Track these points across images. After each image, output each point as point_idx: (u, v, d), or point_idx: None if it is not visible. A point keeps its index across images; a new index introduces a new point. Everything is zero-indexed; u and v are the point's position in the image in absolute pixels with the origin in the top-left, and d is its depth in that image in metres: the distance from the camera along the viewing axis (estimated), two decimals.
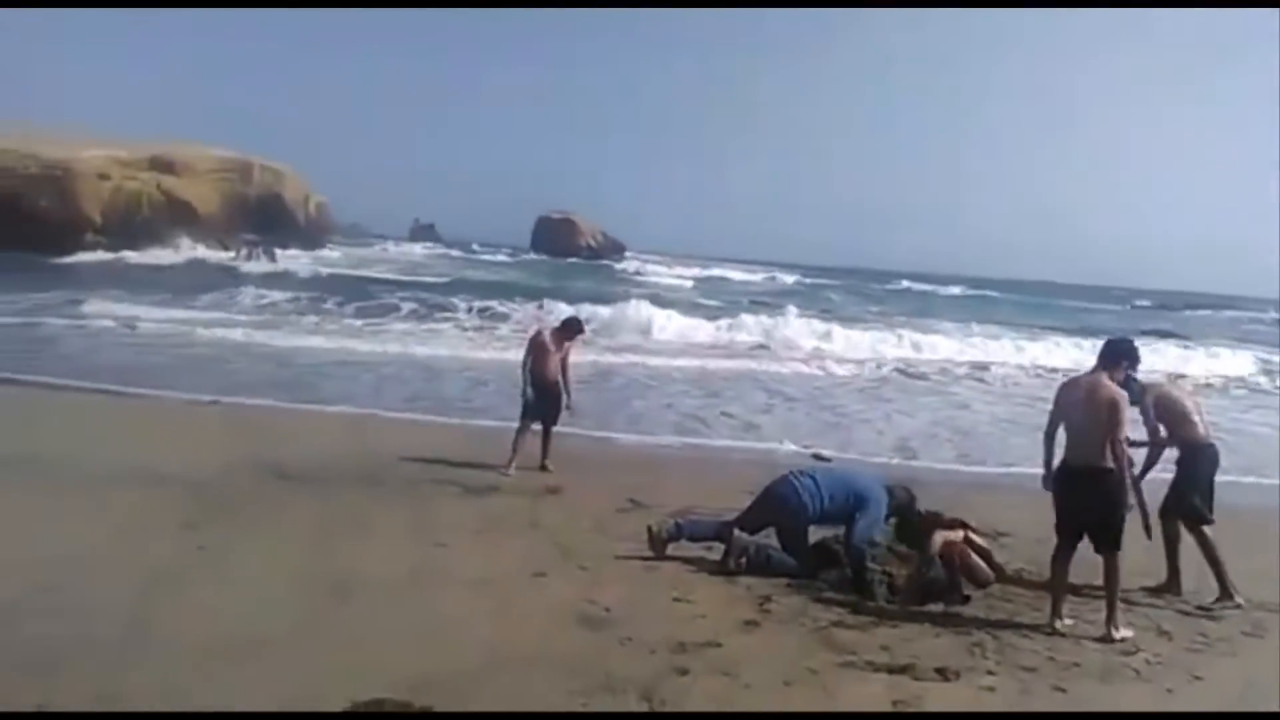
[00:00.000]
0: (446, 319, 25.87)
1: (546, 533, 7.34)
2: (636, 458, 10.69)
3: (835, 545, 6.78)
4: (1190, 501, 6.60)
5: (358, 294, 29.05)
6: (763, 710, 4.46)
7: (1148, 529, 6.51)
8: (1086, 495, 5.85)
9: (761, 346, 23.72)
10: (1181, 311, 66.25)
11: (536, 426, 9.78)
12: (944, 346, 25.53)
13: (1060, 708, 4.76)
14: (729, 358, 21.20)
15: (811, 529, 6.86)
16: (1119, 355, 6.05)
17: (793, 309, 31.11)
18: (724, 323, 27.07)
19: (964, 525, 6.71)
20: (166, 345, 17.82)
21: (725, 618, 5.71)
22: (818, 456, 10.81)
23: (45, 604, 5.24)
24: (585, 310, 22.45)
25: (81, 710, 3.66)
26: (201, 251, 45.80)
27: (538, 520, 7.76)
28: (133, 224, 44.68)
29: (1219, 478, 6.83)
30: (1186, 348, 28.70)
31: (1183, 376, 21.10)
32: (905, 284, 73.85)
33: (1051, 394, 6.33)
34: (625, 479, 9.17)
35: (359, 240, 72.92)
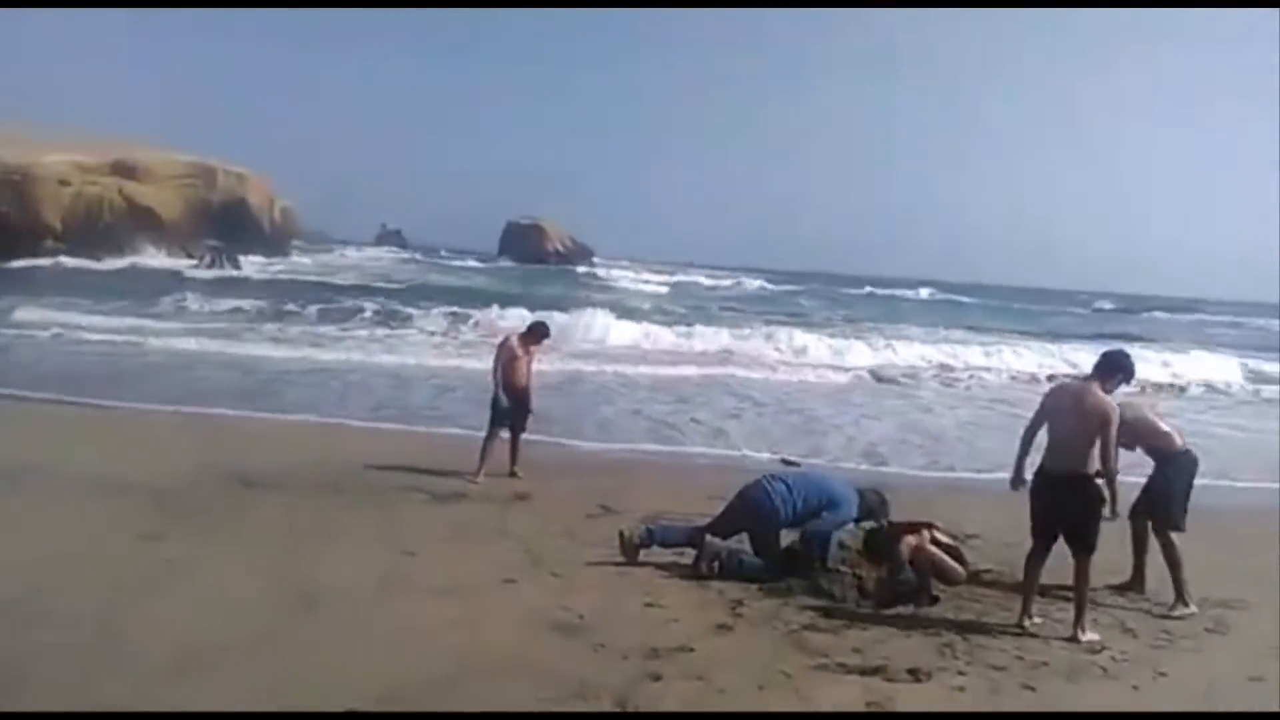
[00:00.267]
0: (412, 325, 25.63)
1: (516, 540, 7.31)
2: (606, 464, 10.68)
3: (803, 545, 6.81)
4: (1169, 509, 6.65)
5: (323, 300, 28.87)
6: (738, 712, 4.45)
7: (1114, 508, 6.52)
8: (1065, 500, 5.89)
9: (729, 352, 23.71)
10: (1141, 315, 67.32)
11: (505, 434, 9.75)
12: (912, 351, 25.71)
13: (1029, 706, 4.81)
14: (697, 364, 21.18)
15: (783, 533, 6.88)
16: (1114, 368, 6.08)
17: (761, 314, 31.24)
18: (691, 329, 27.08)
19: (929, 526, 6.75)
20: (125, 354, 17.56)
21: (698, 622, 5.71)
22: (786, 462, 10.85)
23: (8, 616, 5.15)
24: (555, 319, 22.37)
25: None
26: (164, 258, 45.25)
27: (507, 527, 7.72)
28: (94, 230, 44.02)
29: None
30: (1147, 349, 29.15)
31: (1156, 387, 21.41)
32: (868, 289, 74.31)
33: (1018, 398, 6.41)
34: (595, 485, 9.15)
35: (325, 246, 72.30)
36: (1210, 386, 23.33)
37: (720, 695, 4.65)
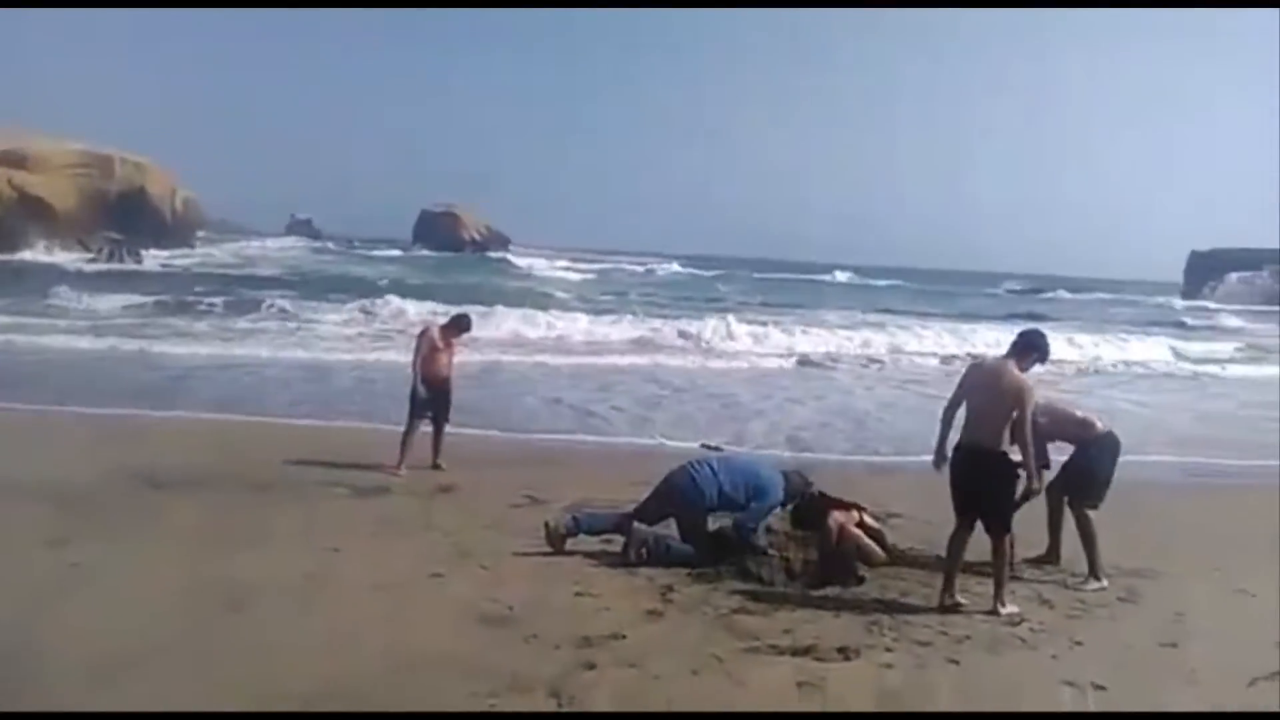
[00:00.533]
0: (324, 318, 24.91)
1: (442, 533, 7.19)
2: (529, 454, 10.59)
3: (734, 534, 6.85)
4: (1090, 489, 6.84)
5: (230, 293, 28.09)
6: (671, 702, 4.44)
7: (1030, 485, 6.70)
8: (980, 477, 6.01)
9: (648, 340, 23.73)
10: (1047, 294, 69.67)
11: (426, 427, 9.58)
12: (832, 335, 26.08)
13: (954, 679, 4.91)
14: (616, 352, 21.19)
15: (711, 518, 6.90)
16: (1030, 347, 6.22)
17: (681, 301, 31.35)
18: (610, 316, 27.09)
19: (858, 508, 6.86)
20: (14, 352, 16.73)
21: (628, 609, 5.69)
22: (706, 447, 10.91)
23: None
24: (473, 309, 22.08)
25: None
26: (58, 252, 43.38)
27: (432, 520, 7.59)
28: None
29: None
30: (1056, 329, 30.12)
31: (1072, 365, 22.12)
32: (786, 274, 75.25)
33: (936, 379, 6.52)
34: (519, 475, 9.07)
35: (231, 237, 70.15)
36: (1118, 364, 24.19)
37: (654, 682, 4.64)
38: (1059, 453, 7.11)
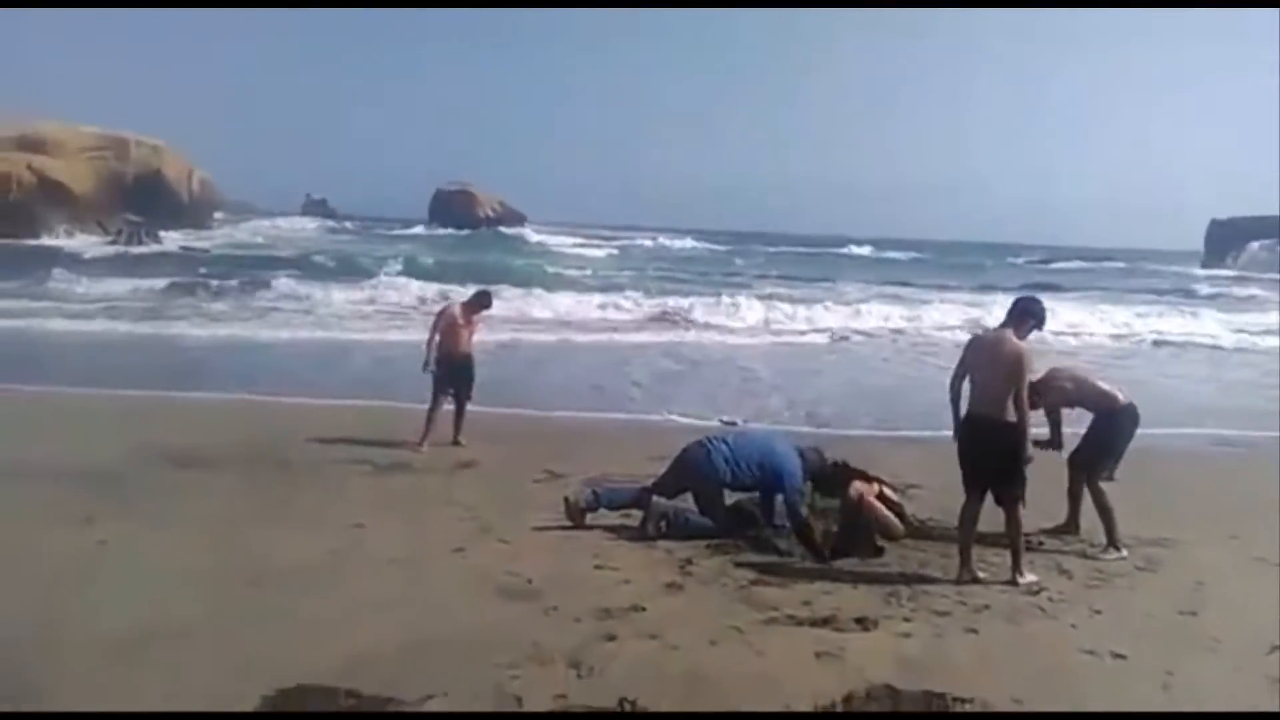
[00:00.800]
0: (340, 297, 24.79)
1: (463, 508, 7.26)
2: (549, 430, 10.65)
3: (751, 506, 6.89)
4: (1106, 461, 6.87)
5: (247, 274, 28.10)
6: (691, 672, 4.49)
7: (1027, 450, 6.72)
8: (988, 448, 6.02)
9: (667, 317, 23.70)
10: (1059, 264, 69.01)
11: (450, 405, 9.65)
12: (853, 310, 25.87)
13: (973, 649, 4.93)
14: (634, 329, 21.23)
15: (727, 492, 6.93)
16: (1026, 313, 6.23)
17: (700, 277, 31.23)
18: (628, 293, 27.02)
19: (879, 480, 6.87)
20: (37, 336, 16.91)
21: (648, 582, 5.74)
22: (724, 423, 10.92)
23: None
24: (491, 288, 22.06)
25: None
26: (78, 235, 43.66)
27: (453, 496, 7.67)
28: (2, 206, 42.23)
29: None
30: (1079, 299, 29.85)
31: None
32: (806, 248, 74.86)
33: (954, 351, 6.50)
34: (539, 451, 9.13)
35: (248, 217, 70.35)
36: (1136, 334, 23.97)
37: (674, 652, 4.68)
38: (1076, 424, 7.12)
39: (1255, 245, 72.34)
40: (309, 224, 76.41)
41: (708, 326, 22.10)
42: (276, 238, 55.52)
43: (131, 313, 20.43)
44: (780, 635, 4.99)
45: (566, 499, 6.92)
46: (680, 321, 22.82)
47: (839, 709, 4.09)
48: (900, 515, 6.81)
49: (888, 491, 6.87)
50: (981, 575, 6.00)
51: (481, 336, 10.20)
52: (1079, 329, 23.67)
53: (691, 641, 4.82)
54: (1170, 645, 5.04)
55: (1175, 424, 11.44)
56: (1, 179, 43.60)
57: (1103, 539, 6.74)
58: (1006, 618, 5.40)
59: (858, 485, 6.68)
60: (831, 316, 24.57)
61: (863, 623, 5.16)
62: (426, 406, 9.54)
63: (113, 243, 42.17)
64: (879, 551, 6.50)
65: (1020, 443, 5.97)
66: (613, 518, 6.96)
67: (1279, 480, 8.70)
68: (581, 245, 61.70)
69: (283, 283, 26.08)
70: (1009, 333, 6.12)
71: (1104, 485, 6.82)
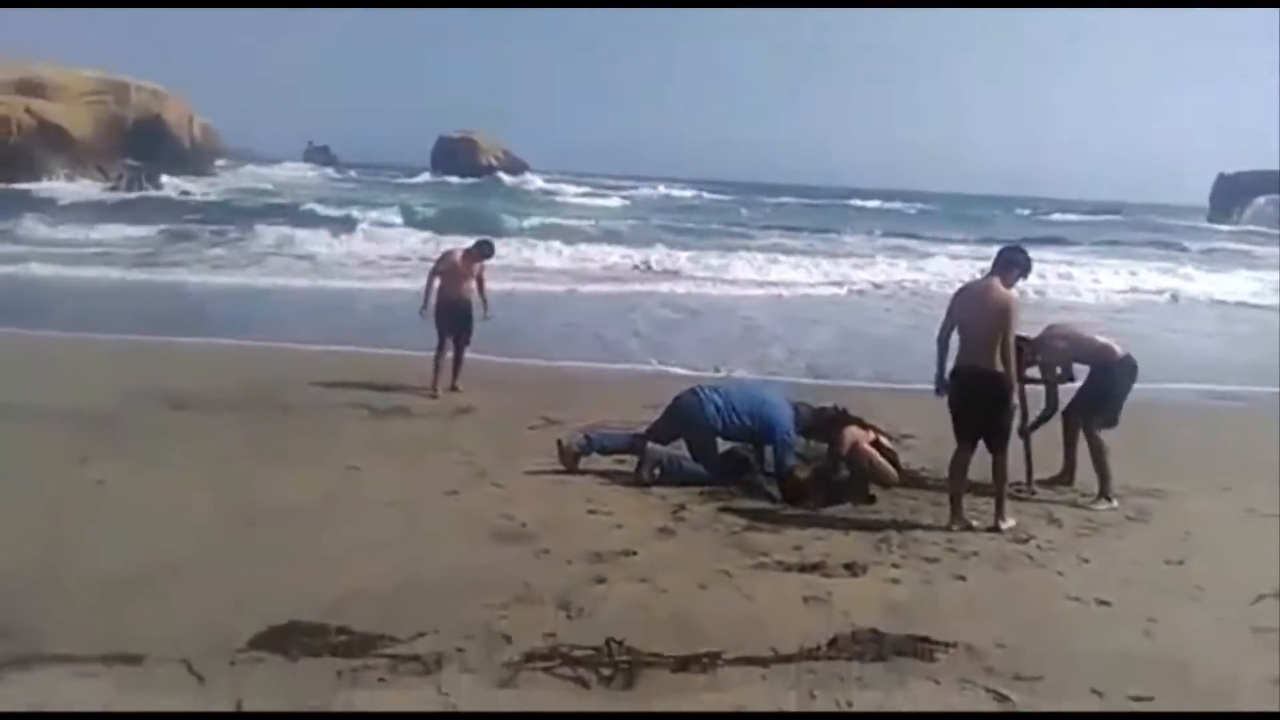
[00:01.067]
0: (341, 245, 24.45)
1: (459, 453, 7.30)
2: (548, 378, 10.65)
3: (746, 453, 6.92)
4: (1107, 410, 6.89)
5: (248, 220, 27.90)
6: (679, 615, 4.54)
7: (1025, 431, 6.83)
8: (977, 397, 6.05)
9: (668, 267, 23.46)
10: (1065, 216, 68.55)
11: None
12: (854, 261, 25.76)
13: (960, 595, 4.98)
14: (637, 279, 21.13)
15: (720, 440, 6.95)
16: (1010, 263, 6.23)
17: (700, 227, 31.02)
18: (631, 243, 26.90)
19: (875, 429, 6.89)
20: (35, 280, 16.88)
21: (640, 527, 5.79)
22: (720, 373, 10.89)
23: None
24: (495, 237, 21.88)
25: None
26: (78, 179, 43.44)
27: (450, 441, 7.70)
28: (1, 150, 41.98)
29: None
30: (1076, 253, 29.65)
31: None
32: (807, 199, 74.27)
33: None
34: (537, 398, 9.15)
35: (250, 164, 69.87)
36: (1136, 288, 23.83)
37: (662, 595, 4.73)
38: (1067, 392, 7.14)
39: (1261, 200, 71.78)
40: (310, 171, 75.95)
41: (710, 277, 21.96)
42: (278, 184, 55.06)
43: (129, 259, 20.36)
44: (769, 580, 5.04)
45: (560, 442, 6.95)
46: (682, 271, 22.66)
47: (824, 652, 4.13)
48: (894, 463, 6.85)
49: (883, 440, 6.89)
50: (973, 523, 6.04)
51: (490, 286, 10.16)
52: (1080, 282, 23.57)
53: (681, 585, 4.87)
54: (1155, 593, 5.08)
55: (1176, 378, 11.43)
56: (0, 122, 43.26)
57: (1096, 490, 6.78)
58: (995, 565, 5.45)
59: (854, 431, 6.72)
60: (834, 267, 24.42)
61: (851, 568, 5.21)
62: (429, 355, 9.60)
63: (113, 188, 41.98)
64: (872, 499, 6.55)
65: (1008, 392, 6.00)
66: (606, 463, 7.00)
67: (1277, 434, 8.72)
68: (586, 195, 61.34)
69: (282, 230, 25.87)
70: (995, 281, 6.12)
71: (1103, 433, 6.86)
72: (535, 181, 70.52)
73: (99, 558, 4.99)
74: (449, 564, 5.06)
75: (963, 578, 5.21)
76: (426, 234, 26.11)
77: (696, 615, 4.52)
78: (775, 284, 21.49)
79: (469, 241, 10.57)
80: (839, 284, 21.97)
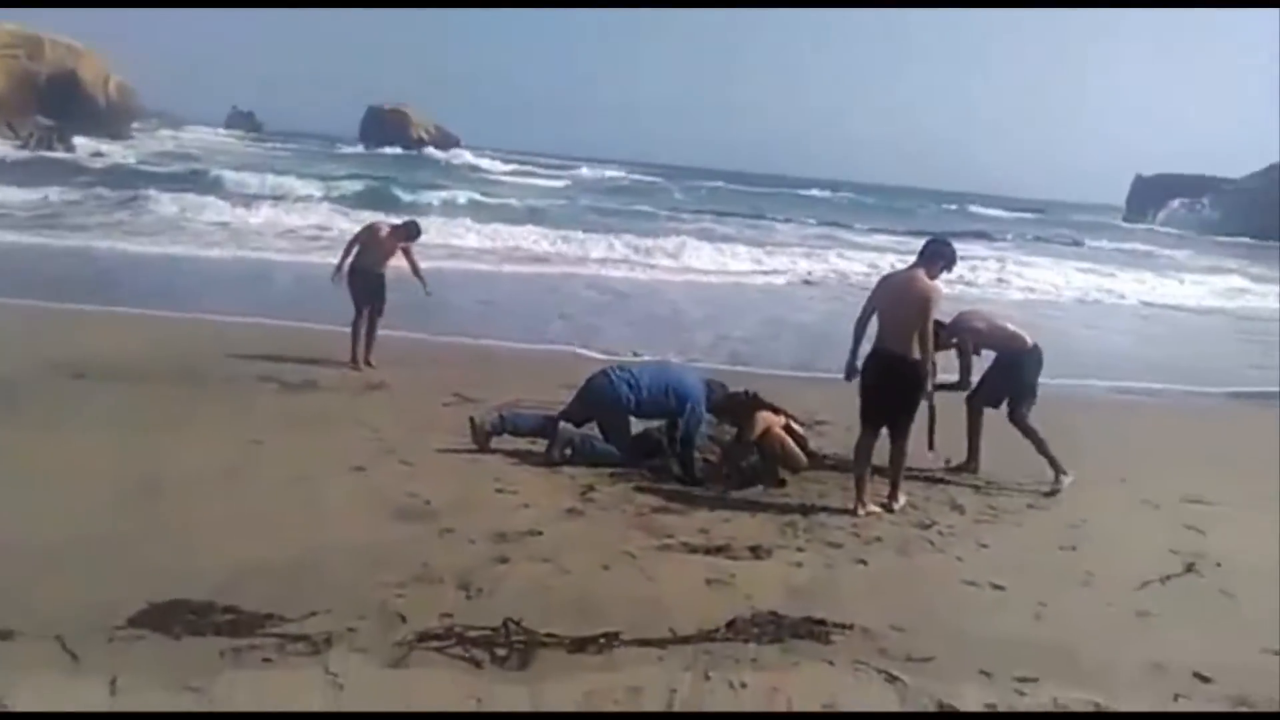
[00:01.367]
0: (261, 215, 23.59)
1: (369, 428, 7.15)
2: (466, 356, 10.49)
3: (658, 435, 6.91)
4: (1026, 399, 7.07)
5: (164, 185, 26.93)
6: (581, 596, 4.51)
7: (932, 437, 6.93)
8: (890, 383, 6.14)
9: (596, 247, 23.20)
10: (986, 211, 70.25)
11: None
12: (782, 249, 25.96)
13: (861, 579, 5.05)
14: (564, 260, 20.95)
15: (635, 421, 6.94)
16: (937, 255, 6.32)
17: (630, 209, 30.93)
18: (560, 223, 26.67)
19: (786, 414, 6.93)
20: None
21: (548, 507, 5.74)
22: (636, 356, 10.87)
23: None
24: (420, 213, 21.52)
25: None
26: None
27: (360, 416, 7.55)
28: None
29: None
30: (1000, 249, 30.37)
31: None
32: (744, 185, 74.63)
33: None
34: (453, 376, 9.00)
35: (169, 127, 67.63)
36: (1051, 284, 24.45)
37: (565, 576, 4.70)
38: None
39: (1175, 202, 74.45)
40: (232, 137, 73.83)
41: (637, 260, 21.90)
42: (197, 149, 53.34)
43: (29, 221, 19.49)
44: (673, 562, 5.04)
45: (472, 420, 6.87)
46: (609, 254, 22.51)
47: (722, 634, 4.14)
48: (804, 447, 6.90)
49: (794, 425, 6.94)
50: (876, 510, 6.13)
51: (398, 263, 9.92)
52: (999, 276, 24.15)
53: (584, 566, 4.84)
54: (1047, 578, 5.21)
55: (1086, 375, 11.78)
56: None
57: (1002, 477, 6.99)
58: (897, 549, 5.54)
59: (766, 415, 6.74)
60: (763, 254, 24.57)
61: (756, 551, 5.24)
62: (345, 329, 9.45)
63: (22, 146, 40.25)
64: (782, 483, 6.60)
65: (922, 380, 6.10)
66: (519, 443, 6.93)
67: (1176, 428, 9.04)
68: (516, 173, 60.73)
69: (196, 197, 24.98)
70: (920, 272, 6.20)
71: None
72: (465, 157, 69.54)
73: None
74: (348, 542, 4.95)
75: (864, 562, 5.29)
76: (348, 206, 25.50)
77: (598, 596, 4.50)
78: (703, 270, 21.52)
79: (392, 218, 10.39)
80: (767, 271, 22.12)
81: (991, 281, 23.14)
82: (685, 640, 4.07)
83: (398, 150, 70.17)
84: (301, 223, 22.84)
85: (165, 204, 23.61)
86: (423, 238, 10.27)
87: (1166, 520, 6.43)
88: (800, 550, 5.37)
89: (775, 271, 22.20)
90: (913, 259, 6.41)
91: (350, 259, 9.55)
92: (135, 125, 58.46)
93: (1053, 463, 6.96)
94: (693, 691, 3.71)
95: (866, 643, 4.20)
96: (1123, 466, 7.68)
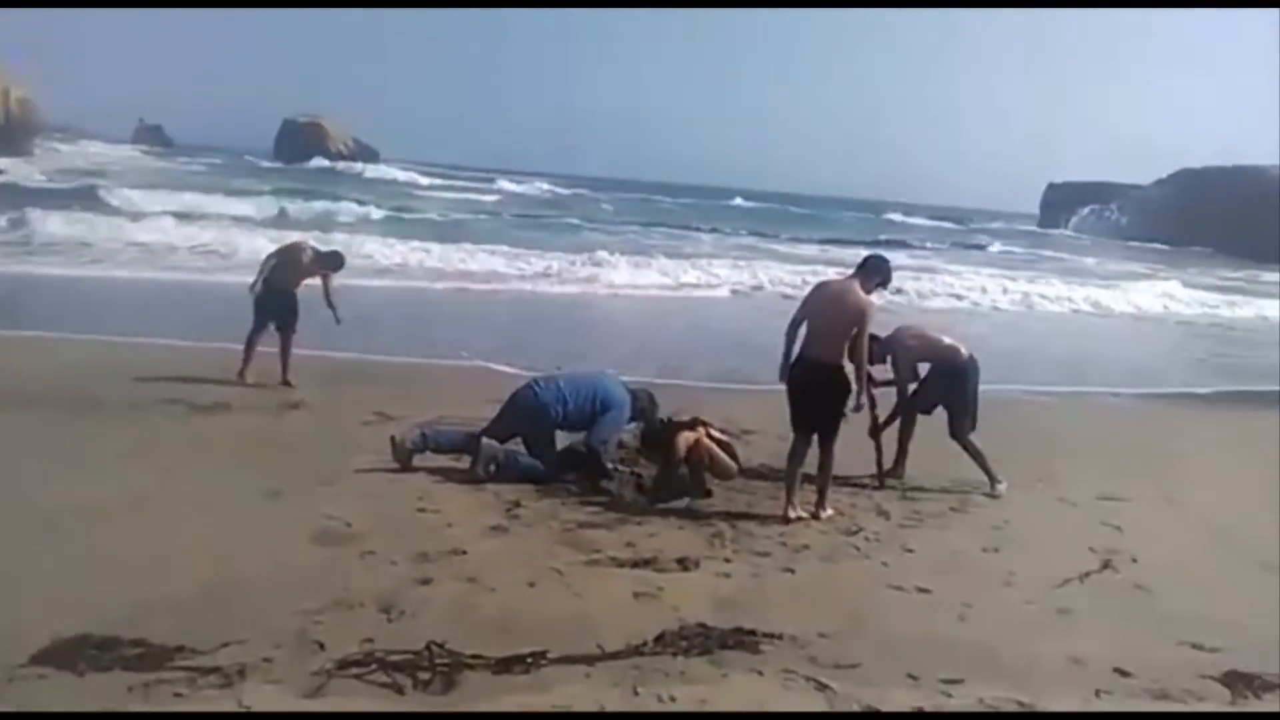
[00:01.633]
0: (169, 233, 22.22)
1: (285, 449, 6.97)
2: (386, 374, 10.24)
3: (583, 449, 6.83)
4: (969, 413, 7.18)
5: (68, 204, 25.90)
6: (506, 614, 4.41)
7: (875, 432, 7.03)
8: (819, 390, 6.18)
9: (520, 261, 22.94)
10: (908, 219, 71.88)
11: (273, 348, 9.23)
12: (708, 261, 25.88)
13: (788, 588, 5.05)
14: (487, 277, 20.66)
15: (559, 434, 6.86)
16: (875, 270, 6.42)
17: (554, 221, 30.75)
18: (481, 238, 26.28)
19: (703, 423, 6.90)
20: None
21: (472, 525, 5.63)
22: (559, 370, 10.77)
23: None
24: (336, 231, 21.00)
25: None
26: None
27: (276, 437, 7.35)
28: None
29: None
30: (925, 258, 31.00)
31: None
32: (670, 198, 74.95)
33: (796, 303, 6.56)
34: (373, 394, 8.78)
35: (74, 142, 65.29)
36: (975, 290, 24.99)
37: (490, 594, 4.60)
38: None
39: (1085, 210, 77.18)
40: (140, 152, 71.58)
41: (562, 274, 21.75)
42: (103, 166, 51.37)
43: None
44: (600, 576, 4.98)
45: (393, 438, 6.70)
46: (534, 267, 22.31)
47: (650, 648, 4.09)
48: (731, 453, 6.85)
49: (714, 433, 6.90)
50: (804, 516, 6.15)
51: (314, 283, 9.63)
52: (923, 288, 24.57)
53: (509, 584, 4.75)
54: (971, 580, 5.30)
55: (1000, 380, 12.02)
56: None
57: (929, 484, 7.13)
58: (823, 557, 5.56)
59: (684, 436, 6.66)
60: (690, 266, 24.45)
61: (683, 563, 5.21)
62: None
63: None
64: (709, 493, 6.57)
65: (848, 387, 6.15)
66: (442, 460, 6.79)
67: (1091, 428, 9.29)
68: (439, 188, 59.92)
69: (101, 216, 24.03)
70: (856, 285, 6.26)
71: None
72: (385, 171, 68.43)
73: None
74: (264, 569, 4.77)
75: (791, 570, 5.29)
76: (260, 223, 24.80)
77: (524, 614, 4.41)
78: (629, 283, 21.45)
79: (310, 238, 10.15)
80: (695, 284, 22.13)
81: (914, 289, 23.53)
82: (613, 656, 4.01)
83: (315, 164, 68.75)
84: (209, 240, 22.00)
85: (62, 223, 22.51)
86: (345, 258, 10.01)
87: (1084, 518, 6.60)
88: (728, 561, 5.36)
89: (702, 285, 22.25)
90: (839, 269, 6.47)
91: (265, 274, 9.28)
92: (37, 141, 56.26)
93: (989, 472, 7.08)
94: (621, 708, 3.64)
95: (795, 651, 4.20)
96: (1041, 467, 7.85)
